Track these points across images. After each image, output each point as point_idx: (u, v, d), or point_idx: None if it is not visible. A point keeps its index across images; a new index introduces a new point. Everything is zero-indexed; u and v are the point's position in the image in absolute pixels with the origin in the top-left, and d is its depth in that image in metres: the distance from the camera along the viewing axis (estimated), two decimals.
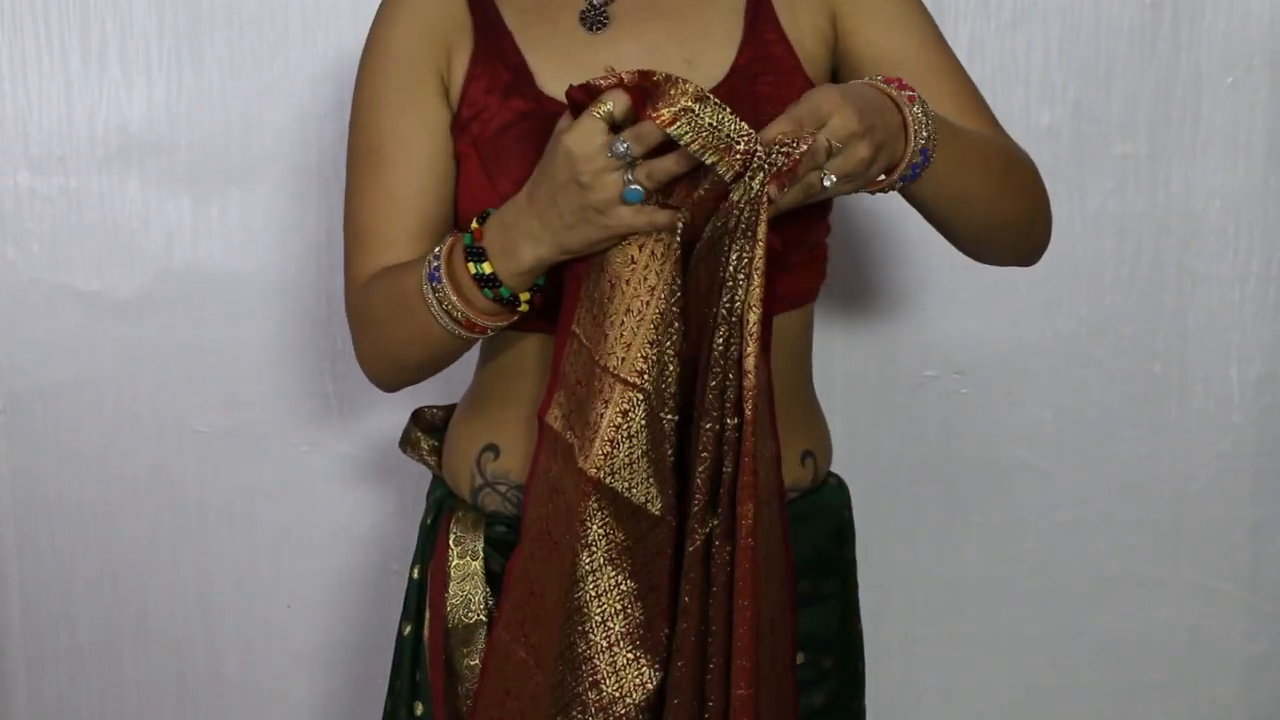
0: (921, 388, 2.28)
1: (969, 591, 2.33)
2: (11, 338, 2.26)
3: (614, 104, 1.30)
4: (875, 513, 2.22)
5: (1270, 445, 2.29)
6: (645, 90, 1.30)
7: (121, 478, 2.30)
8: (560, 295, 1.44)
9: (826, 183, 1.31)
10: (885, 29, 1.59)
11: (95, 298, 2.25)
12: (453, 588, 1.60)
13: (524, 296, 1.44)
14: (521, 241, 1.39)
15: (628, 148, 1.30)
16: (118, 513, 2.31)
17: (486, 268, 1.41)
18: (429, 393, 1.86)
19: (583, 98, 1.33)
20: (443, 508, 1.66)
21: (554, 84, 1.53)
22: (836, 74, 1.61)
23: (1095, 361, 2.27)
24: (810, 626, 1.61)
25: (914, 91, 1.40)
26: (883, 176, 1.40)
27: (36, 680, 2.37)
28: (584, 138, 1.32)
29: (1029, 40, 2.18)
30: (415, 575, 1.68)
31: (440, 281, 1.43)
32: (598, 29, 1.56)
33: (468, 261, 1.42)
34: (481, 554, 1.60)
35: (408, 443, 1.76)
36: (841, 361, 2.24)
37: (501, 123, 1.53)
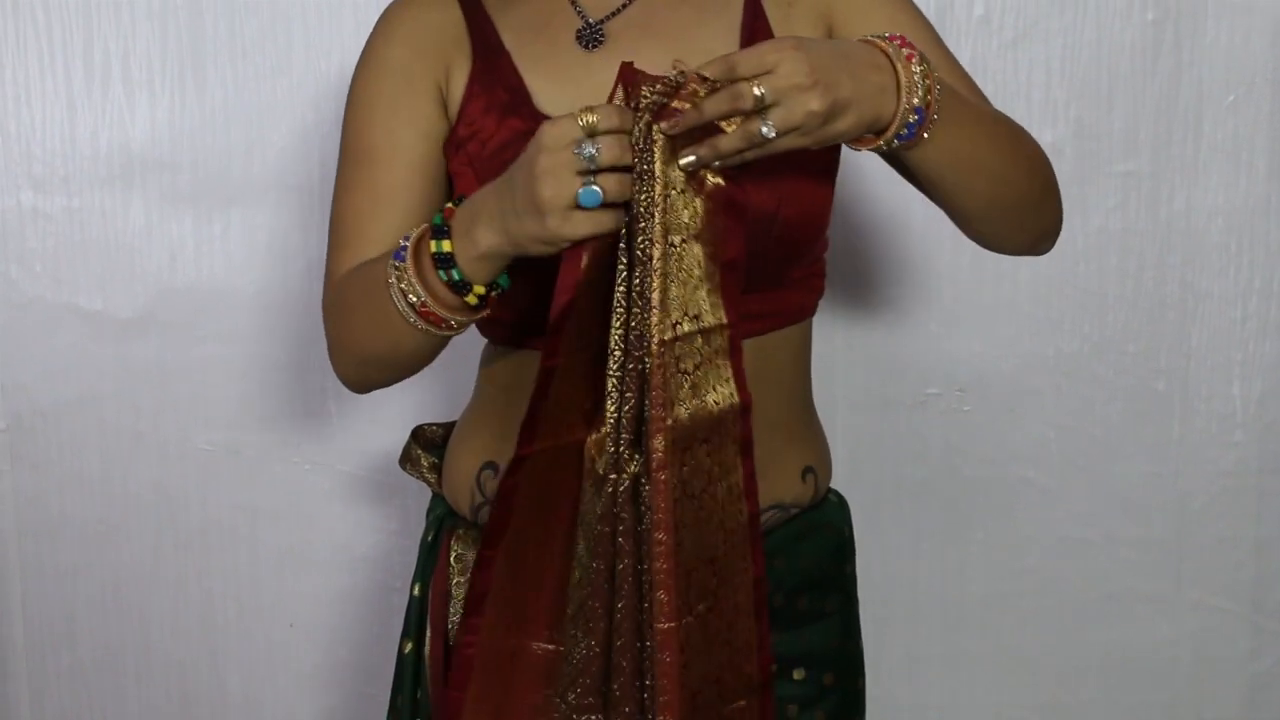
0: (924, 405, 2.27)
1: (971, 608, 2.33)
2: (14, 356, 2.27)
3: (599, 118, 1.28)
4: (878, 530, 2.22)
5: (1273, 462, 2.29)
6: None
7: (124, 496, 2.30)
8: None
9: (766, 132, 1.27)
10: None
11: (98, 317, 2.25)
12: (454, 605, 1.60)
13: (477, 289, 1.38)
14: (479, 223, 1.36)
15: (596, 152, 1.27)
16: (120, 531, 2.31)
17: (446, 245, 1.37)
18: (429, 411, 1.87)
19: (631, 79, 1.31)
20: (443, 525, 1.65)
21: (551, 103, 1.53)
22: None
23: (1098, 379, 2.27)
24: (811, 643, 1.60)
25: (916, 50, 1.36)
26: (871, 136, 1.36)
27: (39, 700, 2.37)
28: (559, 130, 1.28)
29: (1031, 59, 2.18)
30: (416, 593, 1.68)
31: (404, 261, 1.40)
32: (594, 47, 1.56)
33: (431, 239, 1.39)
34: None
35: (408, 460, 1.76)
36: (844, 379, 2.24)
37: (499, 142, 1.53)
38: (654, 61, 1.53)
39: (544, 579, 1.43)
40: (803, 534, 1.60)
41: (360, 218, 1.55)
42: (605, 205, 1.29)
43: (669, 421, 1.34)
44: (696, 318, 1.35)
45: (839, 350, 2.24)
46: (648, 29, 1.57)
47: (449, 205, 1.41)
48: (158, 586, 2.33)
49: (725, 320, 1.36)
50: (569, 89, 1.53)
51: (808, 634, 1.59)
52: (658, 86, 1.28)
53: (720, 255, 1.35)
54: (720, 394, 1.37)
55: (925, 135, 1.36)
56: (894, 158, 1.45)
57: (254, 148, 2.22)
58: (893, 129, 1.34)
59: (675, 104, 1.29)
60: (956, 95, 1.42)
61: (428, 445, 1.75)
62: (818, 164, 1.52)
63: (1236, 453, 2.29)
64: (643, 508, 1.36)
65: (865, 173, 2.18)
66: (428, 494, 1.77)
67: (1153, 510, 2.30)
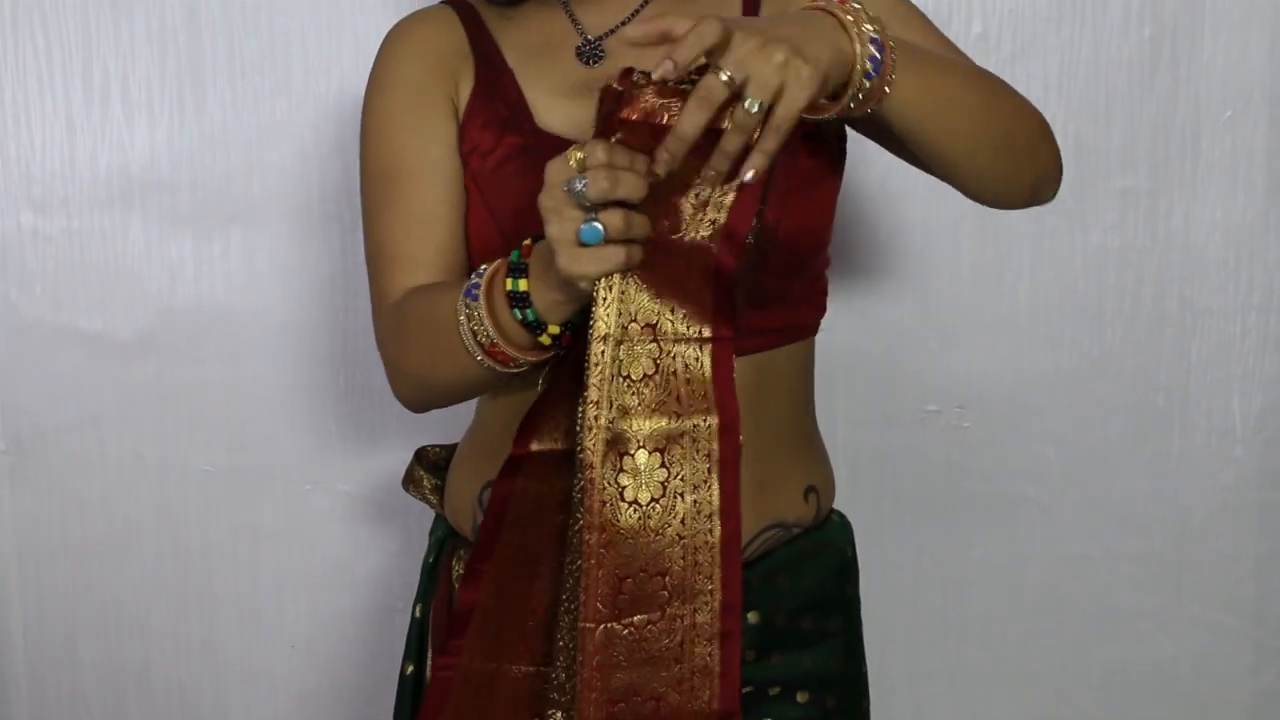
0: (924, 423, 2.27)
1: (973, 625, 2.33)
2: (15, 379, 2.27)
3: (585, 153, 1.25)
4: (879, 547, 2.21)
5: (1273, 478, 2.29)
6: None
7: (125, 518, 2.30)
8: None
9: (750, 106, 1.22)
10: None
11: (98, 338, 2.25)
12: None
13: (552, 329, 1.36)
14: (544, 267, 1.33)
15: (583, 187, 1.24)
16: (121, 553, 2.31)
17: (523, 284, 1.34)
18: (430, 432, 1.86)
19: (611, 104, 1.28)
20: (445, 546, 1.65)
21: (551, 118, 1.53)
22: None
23: (1097, 395, 2.27)
24: (813, 664, 1.60)
25: (849, 3, 1.32)
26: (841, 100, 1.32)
27: None
28: (553, 168, 1.27)
29: (1029, 75, 2.18)
30: (417, 614, 1.68)
31: (476, 299, 1.37)
32: (594, 63, 1.57)
33: (508, 277, 1.36)
34: None
35: (410, 481, 1.75)
36: (844, 397, 2.24)
37: (499, 157, 1.53)
38: None
39: (531, 597, 1.42)
40: (805, 554, 1.60)
41: (400, 239, 1.54)
42: (616, 241, 1.27)
43: (600, 421, 1.32)
44: (650, 326, 1.33)
45: (839, 367, 2.24)
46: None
47: (527, 242, 1.37)
48: (158, 608, 2.33)
49: (702, 334, 1.34)
50: (569, 104, 1.53)
51: (811, 655, 1.59)
52: (606, 99, 1.26)
53: (707, 264, 1.33)
54: (685, 407, 1.35)
55: (892, 76, 1.32)
56: (877, 123, 1.40)
57: (253, 168, 2.22)
58: (858, 64, 1.30)
59: (627, 112, 1.26)
60: (909, 42, 1.39)
61: (430, 466, 1.75)
62: (817, 178, 1.53)
63: (1237, 468, 2.29)
64: (579, 509, 1.34)
65: (865, 191, 2.18)
66: (428, 515, 1.77)
67: (1153, 526, 2.30)
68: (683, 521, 1.35)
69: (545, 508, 1.41)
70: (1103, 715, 2.35)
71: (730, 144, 1.25)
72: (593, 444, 1.32)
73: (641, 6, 1.59)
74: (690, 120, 1.23)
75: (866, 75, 1.30)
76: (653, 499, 1.34)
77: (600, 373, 1.31)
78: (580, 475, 1.33)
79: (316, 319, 2.24)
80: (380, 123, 1.59)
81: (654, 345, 1.33)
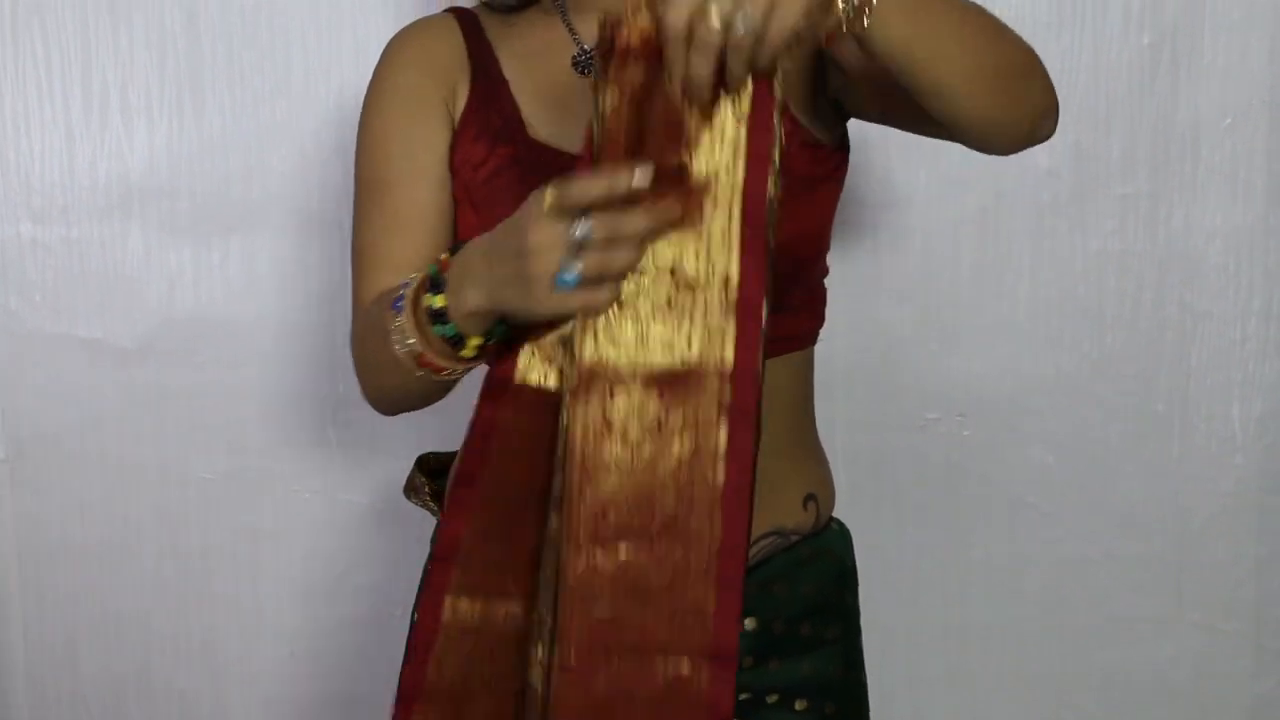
0: (924, 429, 2.27)
1: (973, 631, 2.33)
2: (15, 386, 2.27)
3: (580, 191, 1.25)
4: (879, 554, 2.21)
5: (1273, 483, 2.29)
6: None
7: (124, 525, 2.30)
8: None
9: (740, 29, 1.21)
10: None
11: (98, 346, 2.25)
12: None
13: (473, 342, 1.37)
14: (468, 282, 1.34)
15: (587, 232, 1.24)
16: (121, 559, 2.31)
17: (438, 301, 1.36)
18: (430, 438, 1.86)
19: (611, 34, 1.27)
20: None
21: (544, 130, 1.54)
22: (823, 97, 1.58)
23: (1097, 400, 2.27)
24: (812, 671, 1.60)
25: None
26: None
27: None
28: (548, 203, 1.27)
29: None
30: (416, 620, 1.68)
31: (401, 310, 1.39)
32: (589, 73, 1.57)
33: (426, 291, 1.38)
34: None
35: (411, 488, 1.75)
36: (843, 404, 2.24)
37: (491, 169, 1.53)
38: None
39: (517, 534, 1.40)
40: (804, 561, 1.60)
41: (380, 243, 1.56)
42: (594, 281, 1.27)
43: (587, 353, 1.31)
44: (672, 271, 1.31)
45: (838, 373, 2.24)
46: None
47: (444, 256, 1.39)
48: (158, 613, 2.33)
49: (731, 276, 1.31)
50: (563, 115, 1.53)
51: (809, 662, 1.59)
52: (604, 31, 1.26)
53: (733, 202, 1.30)
54: (698, 348, 1.32)
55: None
56: (868, 60, 1.36)
57: (253, 174, 2.22)
58: None
59: (625, 37, 1.25)
60: None
61: (431, 473, 1.75)
62: (813, 185, 1.52)
63: (1236, 473, 2.29)
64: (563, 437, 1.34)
65: (864, 196, 2.18)
66: (428, 522, 1.76)
67: (1153, 530, 2.30)
68: (679, 461, 1.32)
69: (536, 446, 1.38)
70: (1103, 719, 2.35)
71: (718, 65, 1.24)
72: (578, 372, 1.31)
73: None
74: (682, 64, 1.23)
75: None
76: (645, 435, 1.32)
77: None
78: (565, 404, 1.32)
79: (316, 325, 2.24)
80: (375, 131, 1.60)
81: (671, 285, 1.31)
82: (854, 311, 2.23)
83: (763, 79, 1.27)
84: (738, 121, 1.29)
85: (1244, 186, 2.21)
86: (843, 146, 1.60)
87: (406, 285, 1.40)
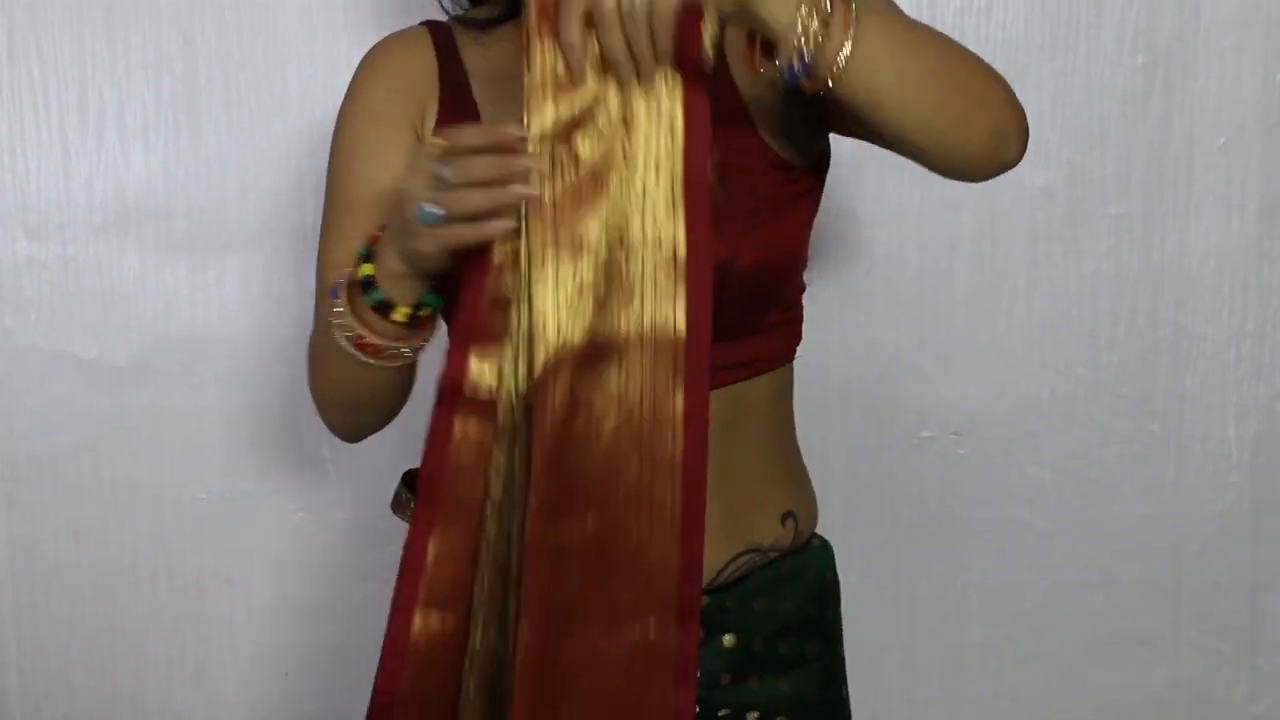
0: (919, 449, 2.27)
1: (969, 652, 2.33)
2: (10, 405, 2.27)
3: (467, 137, 1.30)
4: (874, 574, 2.22)
5: (1268, 504, 2.29)
6: None
7: (119, 545, 2.30)
8: None
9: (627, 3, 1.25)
10: None
11: (93, 365, 2.25)
12: None
13: (401, 309, 1.39)
14: (387, 244, 1.37)
15: (443, 172, 1.28)
16: (115, 580, 2.31)
17: (368, 269, 1.39)
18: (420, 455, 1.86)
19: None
20: None
21: None
22: (793, 111, 1.54)
23: (1092, 421, 2.27)
24: (791, 689, 1.59)
25: None
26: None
27: None
28: (421, 151, 1.32)
29: (1022, 102, 2.18)
30: None
31: (338, 295, 1.41)
32: None
33: (358, 265, 1.40)
34: None
35: (398, 505, 1.75)
36: (839, 424, 2.24)
37: None
38: None
39: (477, 546, 1.40)
40: (783, 578, 1.58)
41: (340, 266, 1.53)
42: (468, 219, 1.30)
43: (548, 333, 1.33)
44: (621, 242, 1.33)
45: (834, 392, 2.24)
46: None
47: (375, 233, 1.42)
48: (153, 634, 2.33)
49: (679, 243, 1.33)
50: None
51: (788, 680, 1.58)
52: None
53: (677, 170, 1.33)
54: (650, 317, 1.34)
55: (850, 30, 1.28)
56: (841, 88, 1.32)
57: (249, 194, 2.22)
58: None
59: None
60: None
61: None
62: (779, 209, 1.50)
63: (1232, 494, 2.29)
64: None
65: (860, 216, 2.19)
66: None
67: (1149, 552, 2.30)
68: (639, 429, 1.34)
69: (485, 457, 1.39)
70: None
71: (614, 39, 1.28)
72: (543, 352, 1.32)
73: None
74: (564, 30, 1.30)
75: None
76: (608, 406, 1.34)
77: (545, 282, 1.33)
78: (530, 389, 1.33)
79: None
80: (344, 147, 1.60)
81: (623, 256, 1.33)
82: (850, 331, 2.24)
83: (689, 47, 1.29)
84: (671, 91, 1.32)
85: (1238, 208, 2.22)
86: (819, 166, 1.58)
87: (341, 276, 1.43)
